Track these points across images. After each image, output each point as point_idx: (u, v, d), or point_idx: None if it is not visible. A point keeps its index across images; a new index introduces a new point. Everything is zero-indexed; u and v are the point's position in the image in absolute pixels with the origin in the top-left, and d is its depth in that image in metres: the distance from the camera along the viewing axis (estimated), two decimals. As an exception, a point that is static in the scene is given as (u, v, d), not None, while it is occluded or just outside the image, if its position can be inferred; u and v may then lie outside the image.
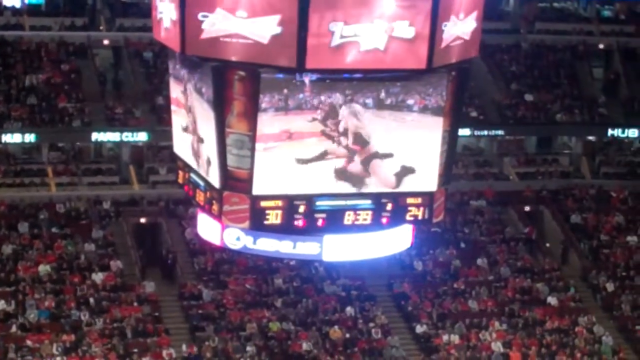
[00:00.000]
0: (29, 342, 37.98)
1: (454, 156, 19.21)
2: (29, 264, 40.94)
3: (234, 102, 17.31)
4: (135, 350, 38.44)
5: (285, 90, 17.22)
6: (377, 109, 17.75)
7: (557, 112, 51.54)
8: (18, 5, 51.63)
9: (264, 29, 16.45)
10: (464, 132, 47.15)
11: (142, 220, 44.42)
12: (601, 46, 55.39)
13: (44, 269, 40.74)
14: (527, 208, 48.60)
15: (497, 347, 40.82)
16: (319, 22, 16.32)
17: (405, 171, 18.22)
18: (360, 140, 17.78)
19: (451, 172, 19.29)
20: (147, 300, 40.58)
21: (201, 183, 18.81)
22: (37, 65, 47.97)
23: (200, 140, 18.55)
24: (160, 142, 46.17)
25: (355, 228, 18.42)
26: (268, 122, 17.27)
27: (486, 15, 18.93)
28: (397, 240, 19.43)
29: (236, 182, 17.69)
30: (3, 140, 45.08)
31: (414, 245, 20.85)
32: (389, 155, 18.02)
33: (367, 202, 18.25)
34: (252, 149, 17.32)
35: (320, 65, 16.71)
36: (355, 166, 17.92)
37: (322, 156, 17.70)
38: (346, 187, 17.93)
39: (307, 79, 17.23)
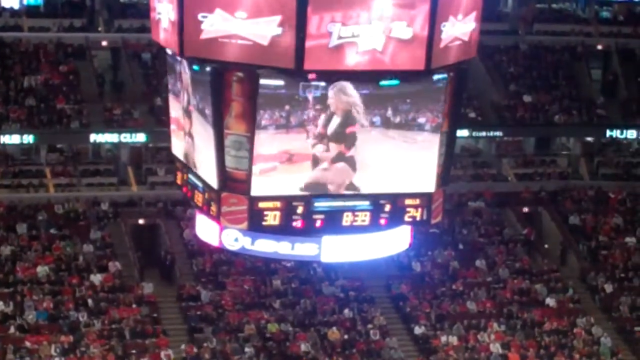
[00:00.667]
0: (27, 343, 37.96)
1: (452, 157, 19.21)
2: (27, 265, 40.92)
3: (232, 103, 17.31)
4: (134, 351, 38.44)
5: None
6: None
7: (556, 113, 51.55)
8: (16, 6, 51.63)
9: (265, 29, 16.43)
10: (462, 133, 47.21)
11: (141, 221, 44.41)
12: (599, 47, 55.43)
13: (42, 270, 40.72)
14: (525, 209, 48.60)
15: (496, 348, 40.82)
16: (317, 23, 16.32)
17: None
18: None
19: (449, 173, 19.29)
20: (146, 302, 40.56)
21: (199, 184, 18.81)
22: (35, 66, 47.96)
23: (199, 142, 18.56)
24: (158, 143, 46.16)
25: (353, 229, 18.42)
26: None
27: (484, 16, 18.94)
28: (396, 241, 19.43)
29: (234, 183, 17.69)
30: (1, 142, 45.08)
31: (413, 246, 20.84)
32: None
33: (366, 203, 18.26)
34: (251, 150, 17.32)
35: (318, 66, 16.70)
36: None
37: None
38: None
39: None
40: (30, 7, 52.10)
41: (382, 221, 18.44)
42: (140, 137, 46.05)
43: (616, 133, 51.36)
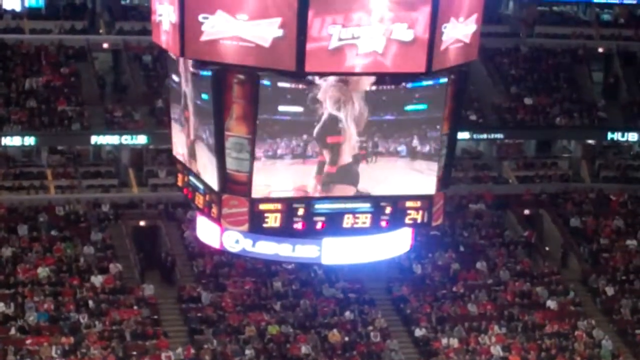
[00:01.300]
0: (28, 345, 37.96)
1: (453, 160, 19.21)
2: (28, 267, 40.94)
3: (233, 105, 17.31)
4: (134, 353, 38.45)
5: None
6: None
7: (557, 116, 51.56)
8: (18, 8, 51.71)
9: (266, 31, 16.43)
10: (463, 135, 47.23)
11: (142, 223, 44.42)
12: (601, 50, 55.45)
13: (43, 271, 40.73)
14: (526, 211, 48.59)
15: (497, 350, 40.81)
16: (317, 25, 16.32)
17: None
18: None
19: (450, 175, 19.28)
20: (146, 303, 40.57)
21: (200, 186, 18.81)
22: (36, 68, 47.98)
23: (200, 144, 18.55)
24: (159, 145, 46.18)
25: (354, 231, 18.41)
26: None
27: (485, 18, 18.94)
28: (396, 243, 19.42)
29: (235, 185, 17.69)
30: (3, 143, 45.08)
31: (413, 248, 20.83)
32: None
33: (366, 206, 18.25)
34: (252, 152, 17.32)
35: (319, 69, 16.69)
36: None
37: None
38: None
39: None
40: (31, 9, 52.15)
41: (383, 223, 18.43)
42: (141, 139, 46.07)
43: (617, 136, 51.37)
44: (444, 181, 18.89)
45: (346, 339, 40.36)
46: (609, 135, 51.49)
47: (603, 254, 46.75)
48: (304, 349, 39.59)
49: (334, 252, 18.98)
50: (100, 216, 44.07)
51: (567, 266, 46.51)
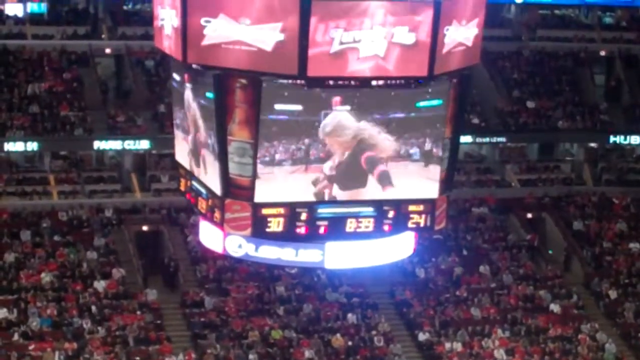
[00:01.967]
0: (31, 350, 37.93)
1: (455, 163, 19.22)
2: (31, 272, 40.93)
3: (235, 109, 17.31)
4: (138, 358, 38.42)
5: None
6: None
7: (559, 119, 51.54)
8: (20, 14, 51.72)
9: (268, 36, 16.45)
10: (465, 139, 47.15)
11: (144, 228, 44.41)
12: (602, 53, 55.43)
13: (46, 276, 40.73)
14: (529, 215, 48.56)
15: (500, 354, 40.77)
16: (319, 29, 16.32)
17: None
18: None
19: (453, 179, 19.29)
20: (149, 308, 40.55)
21: (203, 191, 18.82)
22: (39, 73, 48.00)
23: (203, 148, 18.56)
24: (162, 150, 46.20)
25: (357, 235, 18.42)
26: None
27: (487, 22, 18.94)
28: (399, 247, 19.43)
29: (238, 189, 17.69)
30: (5, 149, 45.11)
31: (416, 252, 20.87)
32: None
33: (369, 210, 18.25)
34: (254, 157, 17.31)
35: (321, 73, 16.71)
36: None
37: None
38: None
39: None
40: (34, 15, 52.16)
41: (386, 227, 18.44)
42: (144, 144, 46.08)
43: (619, 139, 51.32)
44: (446, 185, 18.90)
45: (349, 343, 40.31)
46: (612, 139, 51.46)
47: (606, 257, 46.70)
48: (307, 354, 39.55)
49: (337, 257, 18.99)
50: (103, 221, 44.08)
51: (570, 269, 46.47)
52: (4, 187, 45.02)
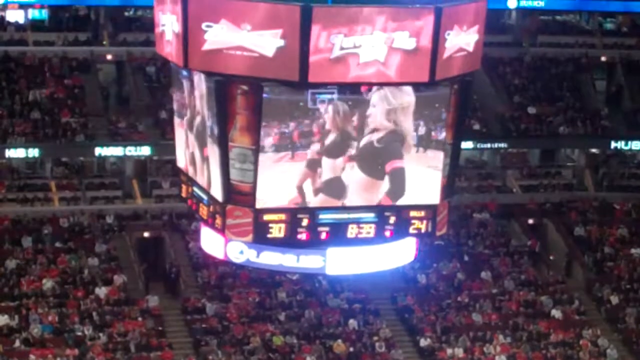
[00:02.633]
0: (32, 357, 37.91)
1: (456, 169, 19.21)
2: (32, 279, 40.93)
3: (236, 116, 17.32)
4: (139, 364, 38.48)
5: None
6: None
7: (560, 125, 51.54)
8: (22, 20, 51.83)
9: (269, 42, 16.46)
10: (466, 145, 47.11)
11: (146, 234, 44.43)
12: (604, 59, 55.44)
13: (47, 283, 40.73)
14: (530, 221, 48.54)
15: (502, 360, 40.81)
16: (321, 35, 16.34)
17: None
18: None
19: (454, 185, 19.29)
20: (151, 315, 40.55)
21: (204, 197, 18.81)
22: (40, 80, 48.04)
23: (204, 155, 18.56)
24: (163, 156, 46.22)
25: (358, 241, 18.41)
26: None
27: (488, 28, 18.94)
28: (401, 253, 19.41)
29: (239, 195, 17.70)
30: (7, 155, 45.13)
31: (418, 258, 20.85)
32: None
33: (370, 215, 18.24)
34: (255, 163, 17.32)
35: (322, 79, 16.72)
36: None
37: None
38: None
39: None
40: (35, 22, 52.28)
41: (387, 233, 18.43)
42: (145, 150, 46.09)
43: (621, 144, 51.28)
44: (447, 190, 18.89)
45: (351, 349, 40.30)
46: (613, 144, 51.43)
47: (607, 263, 46.69)
48: (309, 360, 39.59)
49: (338, 262, 18.97)
50: (105, 227, 44.10)
51: (572, 275, 46.45)
52: (5, 194, 45.09)
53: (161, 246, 44.19)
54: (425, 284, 43.77)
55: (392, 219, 18.32)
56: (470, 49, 17.91)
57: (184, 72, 18.51)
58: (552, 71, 54.21)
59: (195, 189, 19.28)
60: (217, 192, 18.02)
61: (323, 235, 18.07)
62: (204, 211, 18.90)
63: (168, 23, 18.00)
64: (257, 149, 17.21)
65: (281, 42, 16.41)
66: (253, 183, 17.46)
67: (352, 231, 18.21)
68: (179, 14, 17.29)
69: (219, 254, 19.33)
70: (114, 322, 39.66)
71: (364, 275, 22.06)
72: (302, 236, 17.96)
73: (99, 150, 46.00)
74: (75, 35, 50.81)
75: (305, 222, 17.87)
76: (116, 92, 50.46)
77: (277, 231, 17.84)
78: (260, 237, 17.94)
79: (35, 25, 51.85)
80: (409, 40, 16.74)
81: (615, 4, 54.54)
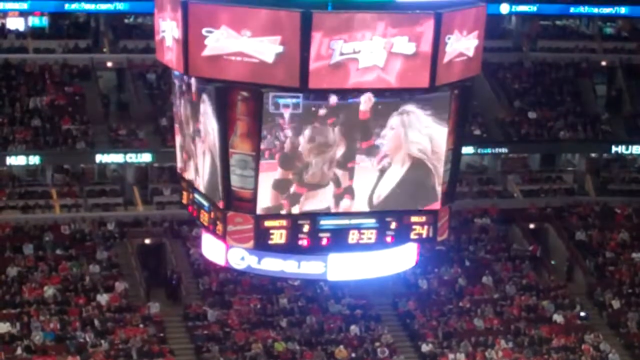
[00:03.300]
0: (34, 364, 37.99)
1: (457, 174, 19.20)
2: (34, 286, 40.92)
3: (237, 122, 17.32)
4: (141, 371, 38.44)
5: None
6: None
7: (561, 130, 51.57)
8: (22, 28, 51.87)
9: (268, 48, 16.48)
10: (467, 150, 47.13)
11: (147, 241, 44.43)
12: (604, 63, 55.49)
13: (48, 290, 40.72)
14: (531, 225, 48.53)
15: (503, 365, 40.78)
16: (320, 40, 16.35)
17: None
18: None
19: (455, 190, 19.28)
20: (152, 321, 40.54)
21: (205, 203, 18.81)
22: (40, 87, 48.10)
23: (204, 162, 18.57)
24: (164, 163, 46.23)
25: (359, 247, 18.41)
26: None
27: (488, 33, 18.96)
28: (402, 258, 19.40)
29: (240, 202, 17.70)
30: (7, 163, 45.17)
31: (419, 263, 20.85)
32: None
33: (372, 221, 18.24)
34: (256, 169, 17.33)
35: (323, 85, 16.71)
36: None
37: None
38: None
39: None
40: (35, 29, 52.31)
41: (388, 239, 18.42)
42: (146, 157, 46.11)
43: (621, 149, 51.32)
44: (448, 196, 18.88)
45: (353, 355, 40.27)
46: (613, 149, 51.47)
47: (609, 268, 46.67)
48: (311, 366, 39.57)
49: (339, 268, 18.96)
50: (106, 235, 44.10)
51: (573, 280, 46.43)
52: (6, 201, 45.07)
53: (162, 253, 44.19)
54: (426, 290, 43.76)
55: (393, 225, 18.32)
56: (470, 54, 17.91)
57: (184, 79, 18.52)
58: (553, 76, 54.26)
59: (196, 195, 19.28)
60: (218, 199, 18.02)
61: (324, 241, 18.07)
62: (204, 218, 18.90)
63: (168, 29, 18.02)
64: (257, 155, 17.22)
65: (280, 49, 16.43)
66: (254, 189, 17.46)
67: (353, 237, 18.21)
68: (179, 20, 17.31)
69: (220, 261, 19.32)
70: (116, 329, 39.64)
71: (366, 281, 22.03)
72: (303, 242, 17.96)
73: (99, 157, 46.03)
74: (76, 43, 50.86)
75: (306, 228, 17.88)
76: (116, 99, 50.49)
77: (278, 237, 17.84)
78: (261, 244, 17.94)
79: (35, 33, 51.89)
80: (409, 45, 16.74)
81: (607, 8, 54.57)
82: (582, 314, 43.68)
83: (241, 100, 17.18)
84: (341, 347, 40.39)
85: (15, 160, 45.13)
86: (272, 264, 18.89)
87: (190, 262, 43.36)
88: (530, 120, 51.77)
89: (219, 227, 18.19)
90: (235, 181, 17.59)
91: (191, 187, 19.54)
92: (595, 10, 54.90)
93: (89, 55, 50.19)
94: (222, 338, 40.17)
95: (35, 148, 45.43)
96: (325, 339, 40.74)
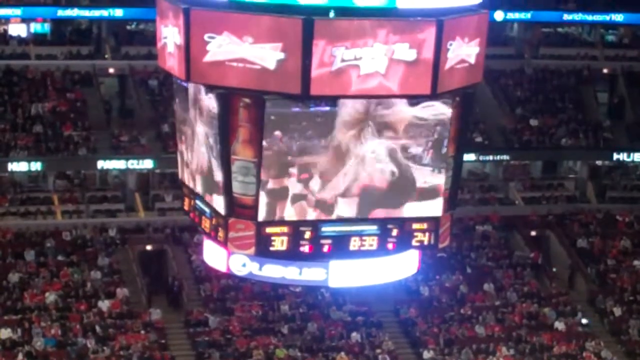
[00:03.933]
0: (35, 371, 37.98)
1: (459, 181, 19.20)
2: (35, 292, 40.93)
3: (239, 129, 17.33)
4: (142, 377, 38.42)
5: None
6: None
7: (562, 137, 51.57)
8: (24, 34, 51.92)
9: (270, 54, 16.49)
10: (469, 157, 47.15)
11: (148, 247, 44.42)
12: (605, 71, 55.49)
13: (50, 296, 40.72)
14: (533, 233, 48.52)
15: (505, 372, 40.74)
16: (322, 48, 16.36)
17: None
18: None
19: (456, 197, 19.27)
20: (154, 328, 40.53)
21: (207, 210, 18.80)
22: (42, 93, 48.13)
23: (207, 168, 18.57)
24: (165, 170, 46.24)
25: (361, 254, 18.39)
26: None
27: (490, 40, 18.96)
28: (403, 265, 19.38)
29: (242, 208, 17.69)
30: (9, 169, 45.20)
31: (420, 270, 20.80)
32: None
33: (373, 228, 18.23)
34: (258, 176, 17.33)
35: (324, 92, 16.71)
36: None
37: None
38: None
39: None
40: (37, 35, 52.37)
41: (390, 246, 18.41)
42: (148, 164, 46.13)
43: (623, 156, 51.28)
44: (450, 203, 18.87)
45: (354, 362, 40.30)
46: (615, 156, 51.44)
47: (610, 275, 46.64)
48: (312, 373, 39.54)
49: (341, 275, 18.95)
50: (107, 241, 44.09)
51: (575, 287, 46.40)
52: (8, 207, 45.09)
53: (164, 259, 44.18)
54: (428, 296, 43.74)
55: (395, 232, 18.31)
56: (472, 61, 17.91)
57: (186, 85, 18.53)
58: (554, 83, 54.28)
59: (198, 201, 19.28)
60: (220, 205, 18.03)
61: (325, 248, 18.06)
62: (206, 224, 18.89)
63: (170, 35, 18.02)
64: (259, 162, 17.23)
65: (281, 55, 16.44)
66: (255, 196, 17.47)
67: (354, 244, 18.19)
68: (181, 26, 17.32)
69: (221, 267, 19.31)
70: (117, 336, 39.64)
71: (367, 287, 22.02)
72: (305, 249, 17.95)
73: (101, 164, 46.05)
74: (78, 49, 50.91)
75: (307, 235, 17.86)
76: (118, 105, 50.52)
77: (280, 244, 17.83)
78: (263, 250, 17.93)
79: (37, 39, 51.95)
80: (410, 52, 16.75)
81: (602, 15, 54.59)
82: (584, 321, 43.68)
83: (243, 106, 17.19)
84: (342, 353, 40.37)
85: (17, 167, 45.16)
86: (274, 271, 18.87)
87: (192, 269, 43.36)
88: (532, 128, 51.78)
89: (221, 233, 18.18)
90: (236, 188, 17.59)
91: (192, 193, 19.54)
92: (589, 17, 54.92)
93: (91, 61, 50.24)
94: (223, 344, 40.16)
95: (37, 154, 45.46)
96: (326, 346, 40.72)
